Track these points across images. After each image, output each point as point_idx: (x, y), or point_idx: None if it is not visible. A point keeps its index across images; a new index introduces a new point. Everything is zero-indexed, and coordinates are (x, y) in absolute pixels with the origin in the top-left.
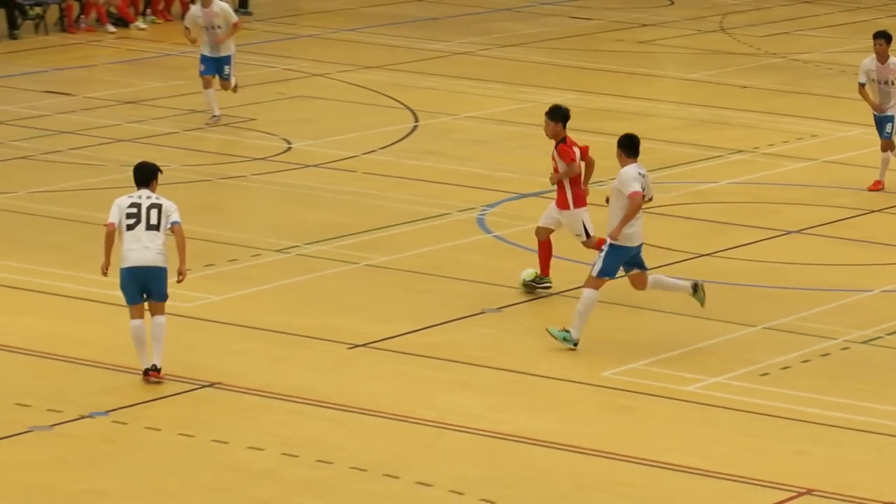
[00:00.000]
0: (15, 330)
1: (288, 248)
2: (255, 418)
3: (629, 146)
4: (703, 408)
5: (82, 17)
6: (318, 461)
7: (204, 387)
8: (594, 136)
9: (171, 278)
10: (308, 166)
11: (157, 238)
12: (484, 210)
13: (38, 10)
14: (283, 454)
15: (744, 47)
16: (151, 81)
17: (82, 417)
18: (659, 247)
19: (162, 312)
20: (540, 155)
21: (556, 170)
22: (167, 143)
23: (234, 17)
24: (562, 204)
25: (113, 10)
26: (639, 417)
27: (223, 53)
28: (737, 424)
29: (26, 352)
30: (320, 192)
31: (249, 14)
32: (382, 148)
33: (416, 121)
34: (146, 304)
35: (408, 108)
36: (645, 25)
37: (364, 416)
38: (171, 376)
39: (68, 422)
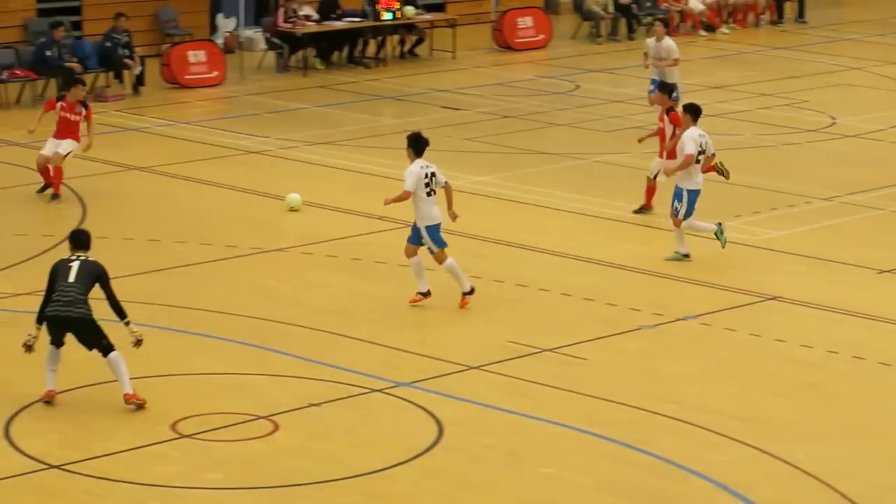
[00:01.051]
0: (621, 253)
1: (832, 197)
2: (807, 323)
3: (694, 112)
4: None
5: (681, 23)
6: (853, 357)
7: (768, 299)
8: None
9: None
10: (847, 136)
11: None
12: None
13: (649, 18)
14: (828, 351)
15: None
16: (731, 72)
17: (678, 320)
18: None
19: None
20: None
21: (662, 131)
22: (742, 118)
23: (676, 54)
24: (661, 155)
25: (704, 18)
26: None
27: (668, 80)
28: None
29: (633, 269)
30: (857, 156)
31: (805, 23)
32: None
33: None
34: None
35: None
36: None
37: (887, 324)
38: (741, 290)
39: (667, 322)
